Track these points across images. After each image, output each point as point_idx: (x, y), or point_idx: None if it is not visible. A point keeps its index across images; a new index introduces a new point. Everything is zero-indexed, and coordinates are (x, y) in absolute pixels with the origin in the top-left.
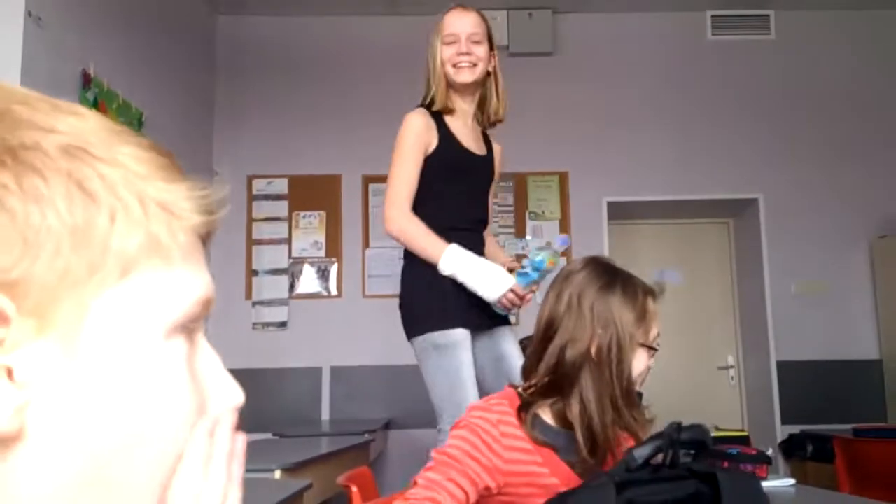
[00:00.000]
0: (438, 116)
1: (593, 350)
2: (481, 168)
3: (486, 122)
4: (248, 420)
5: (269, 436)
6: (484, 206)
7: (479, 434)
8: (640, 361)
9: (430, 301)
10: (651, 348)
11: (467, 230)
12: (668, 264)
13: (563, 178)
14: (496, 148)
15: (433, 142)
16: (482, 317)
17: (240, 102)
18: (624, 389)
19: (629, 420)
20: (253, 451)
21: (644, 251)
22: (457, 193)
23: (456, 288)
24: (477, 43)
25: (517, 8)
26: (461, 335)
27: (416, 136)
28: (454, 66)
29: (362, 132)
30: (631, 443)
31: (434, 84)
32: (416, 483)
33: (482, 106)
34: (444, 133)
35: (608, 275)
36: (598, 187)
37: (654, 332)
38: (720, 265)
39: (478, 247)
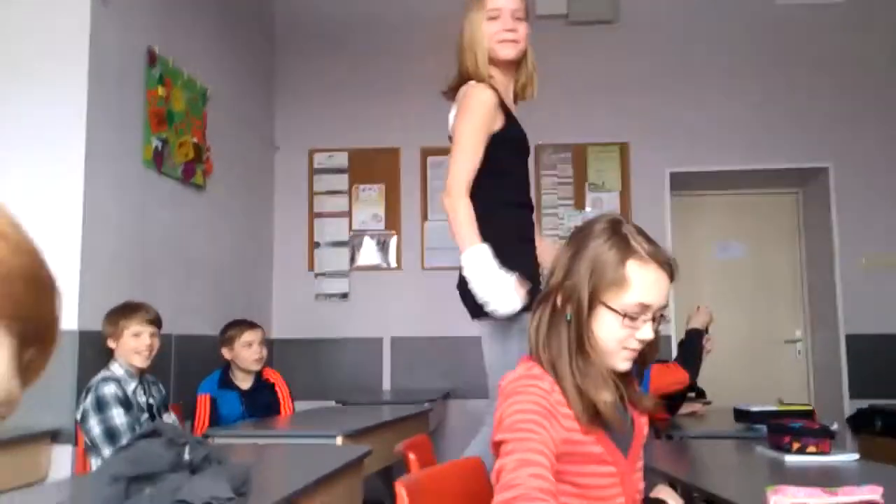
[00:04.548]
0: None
1: (558, 301)
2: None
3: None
4: (311, 388)
5: (331, 403)
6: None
7: (541, 404)
8: (604, 325)
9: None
10: (625, 315)
11: (529, 207)
12: (734, 237)
13: (623, 148)
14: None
15: (500, 119)
16: None
17: (300, 78)
18: (576, 348)
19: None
20: (316, 417)
21: (708, 223)
22: (520, 170)
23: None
24: (520, 20)
25: None
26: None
27: (486, 112)
28: (499, 41)
29: (420, 105)
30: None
31: (474, 56)
32: (500, 471)
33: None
34: (507, 111)
35: (611, 230)
36: (660, 158)
37: (630, 299)
38: (788, 237)
39: (533, 224)
